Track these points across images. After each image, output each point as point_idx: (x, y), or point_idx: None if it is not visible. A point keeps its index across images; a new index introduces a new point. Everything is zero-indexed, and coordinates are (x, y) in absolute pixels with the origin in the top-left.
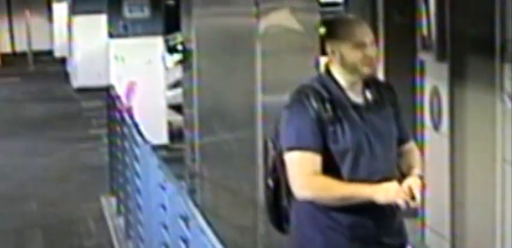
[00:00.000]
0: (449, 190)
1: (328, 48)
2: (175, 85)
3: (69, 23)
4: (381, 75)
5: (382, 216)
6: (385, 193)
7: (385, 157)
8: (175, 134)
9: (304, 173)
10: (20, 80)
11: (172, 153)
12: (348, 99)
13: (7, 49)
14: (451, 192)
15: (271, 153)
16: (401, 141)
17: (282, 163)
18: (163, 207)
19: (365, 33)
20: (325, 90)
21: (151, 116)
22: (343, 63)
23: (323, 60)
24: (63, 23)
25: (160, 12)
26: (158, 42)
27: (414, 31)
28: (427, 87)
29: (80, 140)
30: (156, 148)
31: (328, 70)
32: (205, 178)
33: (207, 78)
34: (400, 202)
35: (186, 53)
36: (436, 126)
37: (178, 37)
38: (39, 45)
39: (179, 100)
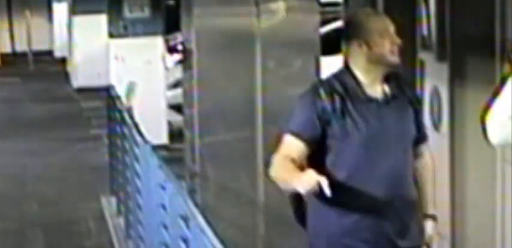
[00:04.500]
0: (449, 190)
1: (354, 42)
2: (175, 85)
3: (69, 23)
4: None
5: (399, 219)
6: (299, 180)
7: (399, 155)
8: (175, 134)
9: (278, 153)
10: (20, 80)
11: (172, 153)
12: (364, 94)
13: (7, 49)
14: (451, 192)
15: None
16: (418, 140)
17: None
18: (163, 207)
19: (388, 23)
20: (340, 85)
21: (151, 116)
22: (370, 55)
23: (323, 60)
24: (63, 23)
25: (160, 12)
26: (158, 42)
27: (414, 31)
28: (427, 87)
29: (80, 140)
30: (156, 148)
31: (347, 66)
32: (205, 178)
33: (207, 78)
34: (300, 190)
35: (186, 53)
36: (436, 126)
37: (178, 37)
38: (39, 45)
39: (179, 100)
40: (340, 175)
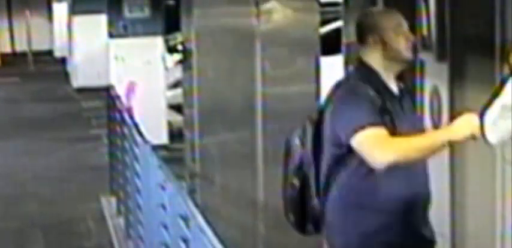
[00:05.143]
0: (449, 190)
1: (369, 40)
2: (175, 85)
3: (69, 23)
4: None
5: (423, 209)
6: (466, 125)
7: None
8: (175, 134)
9: (381, 141)
10: (20, 80)
11: (172, 153)
12: (388, 90)
13: (7, 49)
14: (451, 192)
15: (298, 150)
16: None
17: (315, 158)
18: (163, 207)
19: (402, 20)
20: (369, 83)
21: (151, 116)
22: (387, 52)
23: (323, 60)
24: (63, 23)
25: (160, 12)
26: (158, 42)
27: (414, 31)
28: (427, 87)
29: (80, 140)
30: (156, 148)
31: (362, 65)
32: (205, 178)
33: (207, 78)
34: (466, 133)
35: (186, 53)
36: (436, 126)
37: (178, 37)
38: (39, 45)
39: (179, 100)
40: (379, 175)
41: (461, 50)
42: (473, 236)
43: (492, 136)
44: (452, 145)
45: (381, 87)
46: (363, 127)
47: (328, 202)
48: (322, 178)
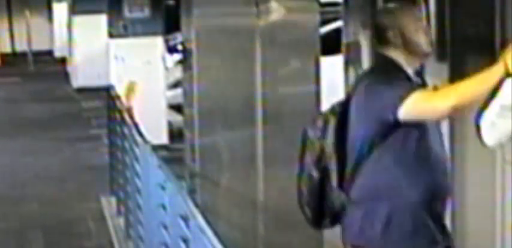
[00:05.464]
0: None
1: (390, 35)
2: (175, 85)
3: (69, 23)
4: None
5: (440, 215)
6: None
7: (441, 142)
8: (175, 134)
9: (433, 93)
10: (20, 80)
11: (172, 153)
12: (414, 84)
13: (7, 49)
14: (451, 192)
15: (318, 142)
16: None
17: (337, 150)
18: (163, 207)
19: (420, 15)
20: (394, 73)
21: (151, 116)
22: (407, 47)
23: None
24: (63, 23)
25: (160, 12)
26: (158, 42)
27: None
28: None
29: (80, 140)
30: (156, 148)
31: (384, 59)
32: (205, 178)
33: (207, 78)
34: None
35: (186, 53)
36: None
37: (178, 37)
38: (39, 45)
39: (179, 100)
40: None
41: (461, 50)
42: (473, 236)
43: (489, 138)
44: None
45: (405, 79)
46: (408, 94)
47: (354, 190)
48: (349, 168)
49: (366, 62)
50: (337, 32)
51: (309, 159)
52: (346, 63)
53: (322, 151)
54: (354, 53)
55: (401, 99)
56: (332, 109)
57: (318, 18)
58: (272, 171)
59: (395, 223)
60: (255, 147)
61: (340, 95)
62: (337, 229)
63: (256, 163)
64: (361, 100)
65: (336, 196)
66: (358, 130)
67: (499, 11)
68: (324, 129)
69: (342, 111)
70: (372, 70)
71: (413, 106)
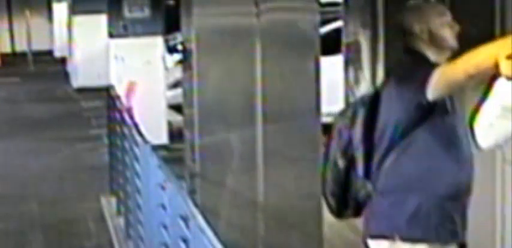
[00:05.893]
0: None
1: (416, 29)
2: (175, 85)
3: (69, 23)
4: (381, 74)
5: (463, 209)
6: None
7: (468, 143)
8: (175, 134)
9: (447, 63)
10: (20, 80)
11: (172, 153)
12: None
13: (7, 49)
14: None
15: (346, 131)
16: None
17: (365, 139)
18: (163, 207)
19: (446, 10)
20: (424, 67)
21: (151, 116)
22: (433, 41)
23: (323, 60)
24: (63, 23)
25: (160, 12)
26: (158, 42)
27: None
28: None
29: (80, 140)
30: (156, 148)
31: (413, 53)
32: (205, 178)
33: (207, 78)
34: None
35: (186, 53)
36: None
37: (178, 37)
38: (39, 45)
39: (179, 100)
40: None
41: (461, 50)
42: (473, 236)
43: (485, 140)
44: None
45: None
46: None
47: (381, 180)
48: (376, 157)
49: (366, 62)
50: (337, 32)
51: (336, 147)
52: (346, 63)
53: (349, 140)
54: (354, 53)
55: (428, 78)
56: (362, 100)
57: (318, 18)
58: (272, 171)
59: (423, 214)
60: (255, 146)
61: (340, 95)
62: (336, 227)
63: (256, 163)
64: (392, 88)
65: (361, 186)
66: (389, 118)
67: (499, 10)
68: (353, 119)
69: (371, 101)
70: (400, 64)
71: (437, 79)
